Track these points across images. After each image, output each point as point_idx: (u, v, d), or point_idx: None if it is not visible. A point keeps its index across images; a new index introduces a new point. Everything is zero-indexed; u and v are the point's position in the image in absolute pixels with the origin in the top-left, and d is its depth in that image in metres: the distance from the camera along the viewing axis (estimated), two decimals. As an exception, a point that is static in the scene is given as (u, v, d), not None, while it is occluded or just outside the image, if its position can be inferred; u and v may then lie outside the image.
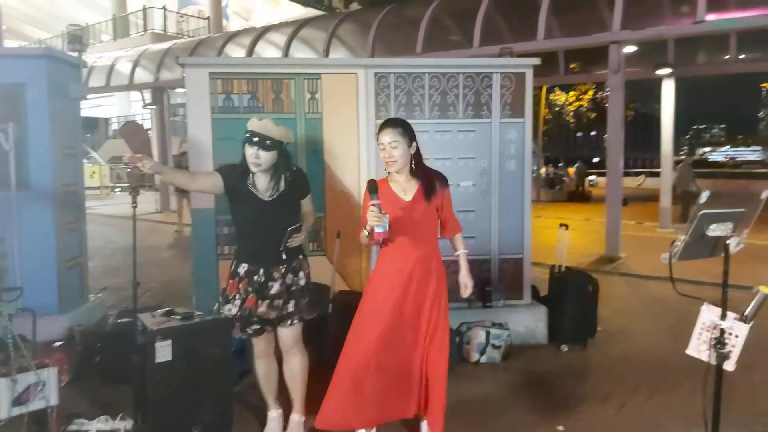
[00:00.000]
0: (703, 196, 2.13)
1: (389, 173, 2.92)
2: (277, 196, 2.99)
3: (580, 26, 9.14)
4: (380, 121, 4.51)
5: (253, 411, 3.42)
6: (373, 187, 2.71)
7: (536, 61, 4.76)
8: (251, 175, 2.97)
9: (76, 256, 4.78)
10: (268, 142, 2.87)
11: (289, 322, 3.06)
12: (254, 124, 2.91)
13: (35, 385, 3.00)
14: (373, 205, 2.64)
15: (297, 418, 3.23)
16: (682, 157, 16.61)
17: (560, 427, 3.32)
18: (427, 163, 4.57)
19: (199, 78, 4.34)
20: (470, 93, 4.66)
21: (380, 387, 2.85)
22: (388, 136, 2.80)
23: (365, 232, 2.75)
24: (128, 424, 3.21)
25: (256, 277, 3.01)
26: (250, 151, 2.89)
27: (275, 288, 3.01)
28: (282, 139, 2.93)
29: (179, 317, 3.11)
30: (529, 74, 4.71)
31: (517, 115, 4.72)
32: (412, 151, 2.86)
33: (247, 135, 2.90)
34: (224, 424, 3.16)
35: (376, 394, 2.86)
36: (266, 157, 2.89)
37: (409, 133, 2.84)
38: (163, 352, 2.94)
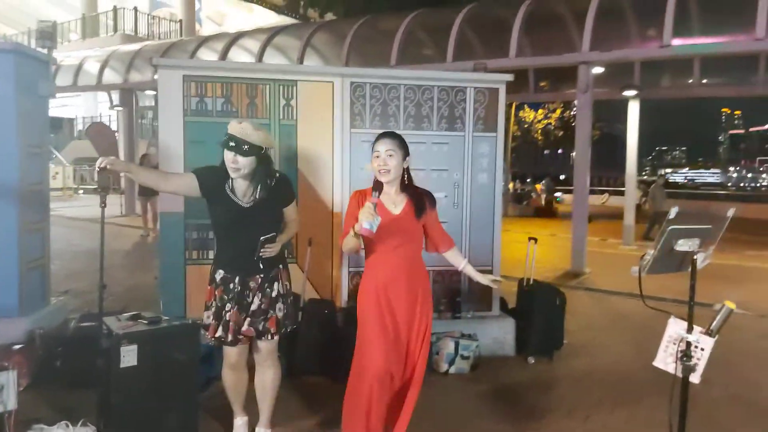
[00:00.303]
0: (672, 212, 2.19)
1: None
2: (255, 202, 2.91)
3: (550, 46, 9.37)
4: (355, 130, 4.57)
5: (219, 419, 3.36)
6: (377, 185, 2.71)
7: (509, 77, 4.85)
8: (231, 179, 2.89)
9: (38, 258, 4.64)
10: (245, 147, 2.78)
11: (267, 335, 2.97)
12: (234, 127, 2.82)
13: (-8, 389, 2.89)
14: (372, 202, 2.60)
15: (262, 431, 3.16)
16: (645, 178, 17.07)
17: (527, 438, 3.36)
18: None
19: (172, 80, 4.29)
20: (444, 106, 4.71)
21: (385, 403, 2.84)
22: (385, 145, 2.79)
23: (351, 234, 2.69)
24: (90, 430, 3.11)
25: (232, 285, 2.93)
26: (228, 156, 2.81)
27: (256, 303, 2.93)
28: (261, 144, 2.84)
29: (146, 322, 3.05)
30: (503, 90, 4.80)
31: (489, 129, 4.79)
32: (405, 165, 2.86)
33: (225, 138, 2.81)
34: (190, 431, 3.10)
35: (382, 411, 2.83)
36: (244, 162, 2.81)
37: (404, 147, 2.84)
38: (129, 356, 2.88)
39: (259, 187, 2.91)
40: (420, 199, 2.88)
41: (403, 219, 2.83)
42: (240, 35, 13.19)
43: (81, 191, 22.40)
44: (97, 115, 26.09)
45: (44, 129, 4.84)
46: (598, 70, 9.23)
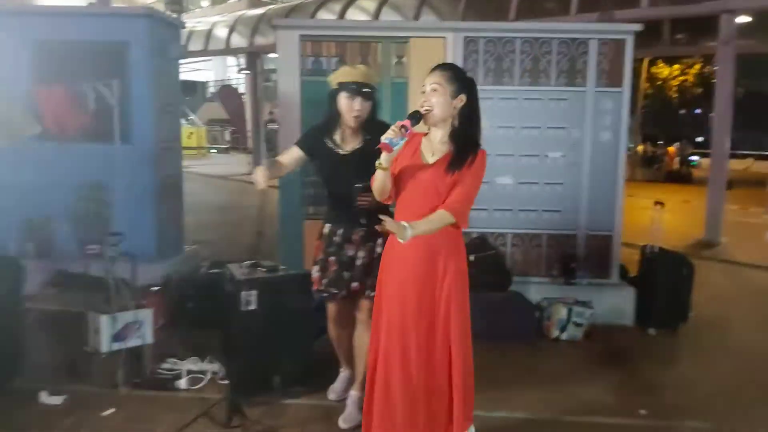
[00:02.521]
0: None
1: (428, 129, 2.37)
2: (356, 148, 2.81)
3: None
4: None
5: (332, 367, 3.41)
6: (414, 115, 2.24)
7: (638, 26, 4.48)
8: (329, 129, 2.83)
9: (173, 209, 5.05)
10: (368, 90, 2.73)
11: (367, 292, 2.83)
12: (350, 72, 2.74)
13: (133, 324, 3.23)
14: (403, 123, 2.18)
15: (355, 395, 3.03)
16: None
17: (642, 411, 3.19)
18: (514, 131, 4.44)
19: (290, 40, 4.42)
20: (564, 59, 4.46)
21: (409, 402, 2.35)
22: (432, 77, 2.28)
23: (377, 163, 2.26)
24: (215, 366, 3.40)
25: (334, 238, 2.89)
26: (350, 103, 2.70)
27: (360, 259, 2.85)
28: (376, 84, 2.82)
29: (264, 270, 3.24)
30: (630, 41, 4.45)
31: (614, 84, 4.48)
32: (457, 104, 2.28)
33: (353, 86, 2.69)
34: (304, 375, 3.28)
35: (407, 414, 2.35)
36: (366, 106, 2.74)
37: (459, 82, 2.28)
38: (249, 301, 3.08)
39: (362, 133, 2.81)
40: (464, 152, 2.27)
41: (433, 171, 2.29)
42: (358, -5, 13.24)
43: (214, 150, 23.96)
44: (227, 79, 27.62)
45: (175, 89, 5.22)
46: (743, 19, 8.26)
